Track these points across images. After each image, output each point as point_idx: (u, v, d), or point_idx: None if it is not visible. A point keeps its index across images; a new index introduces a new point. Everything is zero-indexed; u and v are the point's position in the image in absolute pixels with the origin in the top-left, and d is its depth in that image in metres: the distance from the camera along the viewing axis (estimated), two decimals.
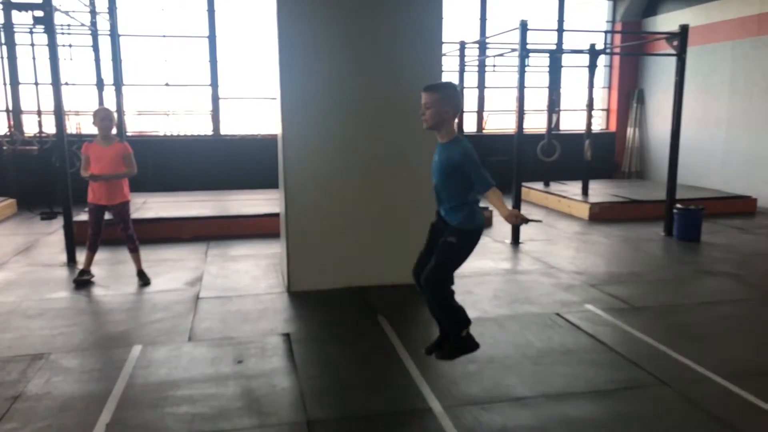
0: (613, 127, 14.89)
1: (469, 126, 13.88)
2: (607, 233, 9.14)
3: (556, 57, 10.82)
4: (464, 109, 13.08)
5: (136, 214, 8.50)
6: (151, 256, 7.34)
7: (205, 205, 9.86)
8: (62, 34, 9.41)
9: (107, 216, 6.45)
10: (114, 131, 6.45)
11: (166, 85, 12.50)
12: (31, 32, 9.73)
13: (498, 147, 12.88)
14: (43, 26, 7.25)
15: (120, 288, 6.35)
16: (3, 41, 10.32)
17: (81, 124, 11.02)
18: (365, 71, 6.06)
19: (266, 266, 7.17)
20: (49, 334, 5.06)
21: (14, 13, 9.40)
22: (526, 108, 8.75)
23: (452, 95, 3.69)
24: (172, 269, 7.03)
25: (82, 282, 6.41)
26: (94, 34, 10.14)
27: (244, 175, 12.03)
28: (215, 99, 12.71)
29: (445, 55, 9.15)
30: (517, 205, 8.56)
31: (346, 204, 6.21)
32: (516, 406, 3.89)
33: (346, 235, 6.25)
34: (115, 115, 6.68)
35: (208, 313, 5.61)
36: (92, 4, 9.99)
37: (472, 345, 3.87)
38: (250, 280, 6.64)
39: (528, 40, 8.33)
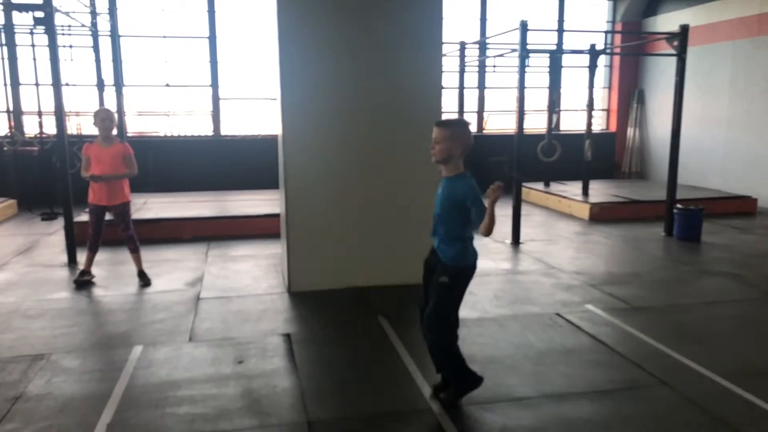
0: (613, 128, 14.89)
1: (470, 127, 13.85)
2: (607, 233, 9.14)
3: (556, 57, 10.83)
4: (464, 111, 13.09)
5: (136, 214, 8.50)
6: (152, 257, 7.35)
7: (205, 205, 9.87)
8: (63, 34, 9.42)
9: (108, 216, 6.45)
10: (114, 132, 6.46)
11: (167, 85, 12.50)
12: (31, 33, 9.75)
13: (498, 147, 12.89)
14: (43, 27, 7.25)
15: (120, 288, 6.35)
16: (4, 42, 10.33)
17: (81, 124, 11.02)
18: (365, 71, 6.07)
19: (267, 267, 7.17)
20: (49, 335, 5.07)
21: (15, 13, 9.41)
22: (526, 108, 8.76)
23: (463, 133, 3.69)
24: (172, 270, 7.04)
25: (83, 282, 6.41)
26: (95, 35, 10.15)
27: (245, 176, 12.03)
28: (215, 99, 12.71)
29: (445, 55, 9.15)
30: (517, 205, 8.56)
31: (346, 204, 6.21)
32: (516, 406, 3.89)
33: (347, 236, 6.26)
34: (116, 115, 6.68)
35: (208, 313, 5.61)
36: (92, 4, 10.00)
37: (474, 382, 3.91)
38: (250, 280, 6.64)
39: (528, 41, 8.33)
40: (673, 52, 8.84)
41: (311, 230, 6.17)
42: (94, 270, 6.61)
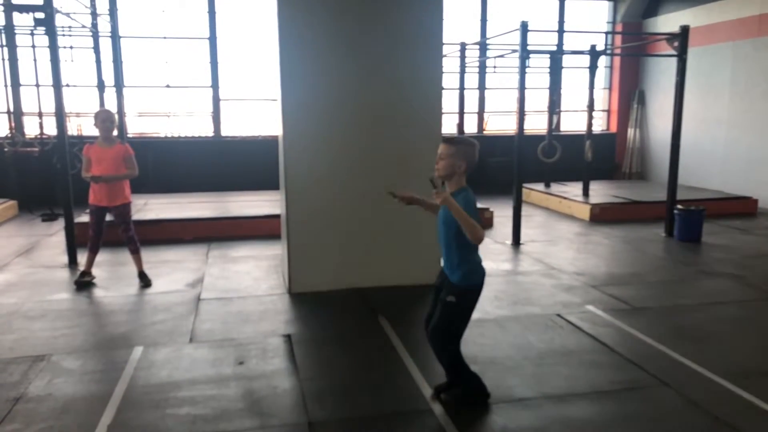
0: (613, 128, 14.88)
1: (470, 127, 13.88)
2: (607, 234, 9.14)
3: (556, 58, 10.83)
4: (465, 111, 13.10)
5: (137, 215, 8.49)
6: (152, 258, 7.35)
7: (206, 206, 9.87)
8: (63, 35, 9.43)
9: (108, 217, 6.45)
10: (115, 133, 6.46)
11: (167, 86, 12.50)
12: (32, 34, 9.75)
13: (499, 148, 12.90)
14: (44, 28, 7.25)
15: (121, 289, 6.35)
16: (4, 43, 10.33)
17: (82, 125, 11.02)
18: (366, 72, 6.07)
19: (267, 268, 7.17)
20: (50, 336, 5.07)
21: (15, 14, 9.41)
22: (526, 109, 8.75)
23: (468, 151, 3.69)
24: (173, 270, 7.04)
25: (84, 283, 6.41)
26: (95, 36, 10.16)
27: (245, 177, 12.03)
28: (216, 100, 12.71)
29: (445, 56, 9.16)
30: (517, 206, 8.56)
31: (347, 205, 6.21)
32: (517, 407, 3.89)
33: (347, 237, 6.26)
34: (116, 116, 6.68)
35: (209, 314, 5.61)
36: (93, 5, 10.00)
37: (482, 395, 3.96)
38: (251, 281, 6.64)
39: (528, 41, 8.33)
40: (674, 52, 8.84)
41: (312, 231, 6.17)
42: (95, 271, 6.62)
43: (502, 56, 11.80)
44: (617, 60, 14.53)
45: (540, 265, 7.35)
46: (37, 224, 9.81)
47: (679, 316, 5.64)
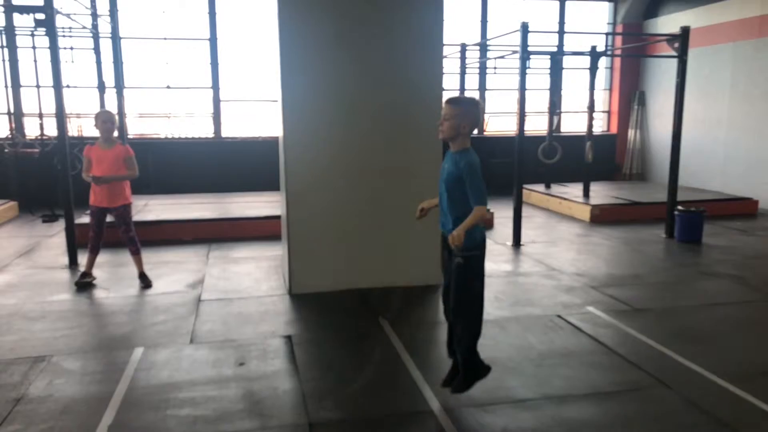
0: (614, 129, 14.88)
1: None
2: (608, 235, 9.14)
3: (557, 59, 10.85)
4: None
5: (137, 216, 8.49)
6: (153, 259, 7.35)
7: (206, 207, 9.87)
8: (63, 36, 9.43)
9: (109, 218, 6.45)
10: (115, 134, 6.46)
11: (167, 87, 12.51)
12: (32, 35, 9.77)
13: (499, 149, 12.90)
14: (44, 29, 7.27)
15: (121, 290, 6.35)
16: (4, 44, 10.35)
17: (82, 126, 11.02)
18: (366, 73, 6.07)
19: (268, 268, 7.17)
20: (50, 337, 5.07)
21: (16, 15, 9.42)
22: (527, 110, 8.75)
23: (472, 111, 3.71)
24: (173, 271, 7.04)
25: (84, 284, 6.41)
26: (96, 37, 10.17)
27: (246, 178, 12.04)
28: (216, 101, 12.72)
29: (446, 57, 9.16)
30: (518, 207, 8.56)
31: (347, 206, 6.21)
32: (517, 408, 3.89)
33: (348, 238, 6.26)
34: (117, 117, 6.68)
35: (209, 315, 5.61)
36: (93, 6, 10.02)
37: (483, 371, 3.96)
38: (251, 282, 6.64)
39: (529, 42, 8.34)
40: (674, 53, 8.84)
41: (312, 232, 6.18)
42: (95, 272, 6.62)
43: (502, 57, 11.80)
44: (618, 61, 14.53)
45: (540, 266, 7.35)
46: (38, 225, 9.81)
47: (680, 317, 5.64)
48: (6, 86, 10.70)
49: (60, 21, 7.93)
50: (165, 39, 12.32)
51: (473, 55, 13.08)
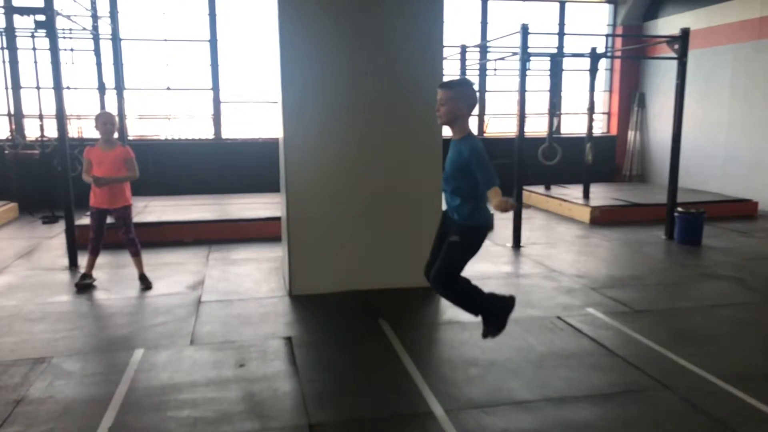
0: (614, 131, 14.89)
1: (471, 129, 13.86)
2: (608, 236, 9.14)
3: (557, 60, 10.86)
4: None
5: (137, 217, 8.50)
6: (153, 260, 7.35)
7: (206, 208, 9.88)
8: (64, 38, 9.42)
9: (109, 220, 6.45)
10: (116, 135, 6.46)
11: (168, 88, 12.52)
12: (32, 36, 9.76)
13: (499, 150, 12.89)
14: (44, 30, 7.26)
15: (122, 292, 6.35)
16: (5, 45, 10.34)
17: (83, 128, 11.02)
18: (367, 75, 6.07)
19: (268, 270, 7.17)
20: (51, 338, 5.07)
21: (16, 17, 9.43)
22: (527, 111, 8.76)
23: (467, 92, 3.72)
24: (173, 273, 7.04)
25: (84, 286, 6.41)
26: (96, 38, 10.17)
27: (246, 179, 12.04)
28: (216, 103, 12.73)
29: (446, 58, 9.16)
30: (518, 208, 8.56)
31: (347, 207, 6.22)
32: (518, 410, 3.89)
33: (348, 239, 6.26)
34: (117, 118, 6.67)
35: (209, 316, 5.61)
36: (94, 8, 10.02)
37: (507, 305, 3.98)
38: (251, 283, 6.64)
39: (529, 44, 8.34)
40: (674, 55, 8.84)
41: (312, 233, 6.18)
42: (96, 273, 6.61)
43: (502, 59, 11.79)
44: (617, 63, 14.54)
45: (540, 267, 7.35)
46: (38, 227, 9.82)
47: (680, 319, 5.64)
48: (6, 87, 10.70)
49: (60, 22, 7.94)
50: (165, 40, 12.32)
51: (473, 57, 13.08)
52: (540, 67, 11.78)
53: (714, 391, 4.16)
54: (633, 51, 13.65)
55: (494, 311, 3.97)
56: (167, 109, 12.68)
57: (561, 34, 13.82)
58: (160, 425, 3.70)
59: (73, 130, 10.12)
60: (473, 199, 3.74)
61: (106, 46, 10.63)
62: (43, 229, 9.58)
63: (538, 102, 13.20)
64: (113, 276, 6.90)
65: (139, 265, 6.55)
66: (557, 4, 14.08)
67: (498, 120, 14.36)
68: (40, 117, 10.44)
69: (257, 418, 3.79)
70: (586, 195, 11.25)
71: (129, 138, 11.48)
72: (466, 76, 12.62)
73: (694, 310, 5.88)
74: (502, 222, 9.57)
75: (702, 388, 4.20)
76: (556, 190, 12.08)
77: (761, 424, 3.77)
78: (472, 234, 3.77)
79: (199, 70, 12.59)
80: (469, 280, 3.95)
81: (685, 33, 8.71)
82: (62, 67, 7.31)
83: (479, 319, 4.06)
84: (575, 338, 5.11)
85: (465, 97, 3.71)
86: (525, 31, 8.26)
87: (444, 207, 3.98)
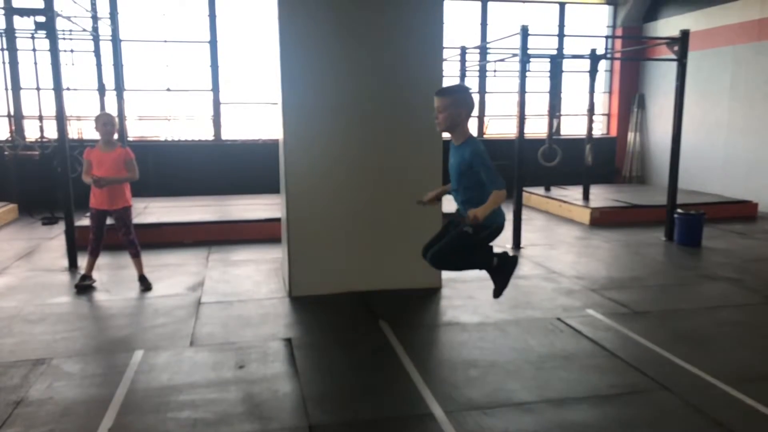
0: (613, 132, 14.90)
1: (471, 131, 13.85)
2: (607, 238, 9.14)
3: (556, 62, 10.85)
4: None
5: (137, 219, 8.49)
6: (153, 261, 7.35)
7: (206, 209, 9.88)
8: (64, 39, 9.43)
9: (109, 221, 6.45)
10: (116, 136, 6.46)
11: (168, 90, 12.52)
12: (32, 37, 9.74)
13: (499, 152, 12.88)
14: (44, 31, 7.26)
15: (121, 293, 6.35)
16: (5, 46, 10.33)
17: (82, 129, 11.02)
18: (366, 76, 6.08)
19: (267, 271, 7.17)
20: (50, 339, 5.07)
21: (16, 18, 9.43)
22: (527, 113, 8.76)
23: (464, 98, 3.72)
24: (173, 274, 7.04)
25: (84, 287, 6.41)
26: (96, 40, 10.18)
27: (246, 180, 12.04)
28: (216, 104, 12.73)
29: (446, 60, 9.16)
30: (518, 209, 8.57)
31: (347, 209, 6.22)
32: (518, 411, 3.89)
33: (348, 240, 6.26)
34: (117, 120, 6.67)
35: (209, 318, 5.61)
36: (94, 9, 10.02)
37: (510, 264, 3.96)
38: (251, 285, 6.64)
39: (529, 45, 8.35)
40: (674, 56, 8.85)
41: (312, 235, 6.18)
42: (95, 274, 6.61)
43: (502, 60, 11.80)
44: (617, 64, 14.54)
45: (540, 268, 7.35)
46: (38, 228, 9.81)
47: (680, 320, 5.64)
48: (6, 89, 10.69)
49: (60, 24, 7.94)
50: (165, 42, 12.32)
51: (473, 58, 13.10)
52: (540, 69, 11.77)
53: (713, 393, 4.16)
54: (633, 52, 13.65)
55: (498, 270, 3.93)
56: (167, 111, 12.67)
57: (561, 35, 13.83)
58: (159, 426, 3.70)
59: (73, 131, 10.12)
60: (485, 202, 3.72)
61: (106, 47, 10.64)
62: (42, 230, 9.58)
63: (537, 103, 13.20)
64: (113, 277, 6.90)
65: (138, 266, 6.55)
66: (557, 6, 14.09)
67: (498, 121, 14.36)
68: (40, 118, 10.44)
69: (257, 419, 3.79)
70: (585, 196, 11.25)
71: (129, 139, 11.49)
72: (466, 77, 12.64)
73: (694, 312, 5.88)
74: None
75: (701, 390, 4.20)
76: (556, 192, 12.08)
77: (761, 425, 3.78)
78: (485, 233, 3.78)
79: (199, 71, 12.59)
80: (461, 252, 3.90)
81: (685, 34, 8.71)
82: (62, 68, 7.31)
83: (479, 320, 4.06)
84: (575, 339, 5.11)
85: (463, 102, 3.70)
86: (525, 32, 8.27)
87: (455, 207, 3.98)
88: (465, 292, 6.31)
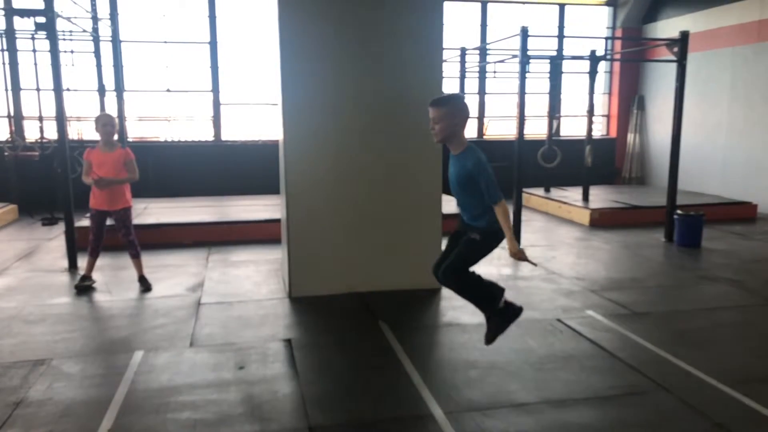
0: (613, 133, 14.91)
1: (470, 132, 13.91)
2: (607, 239, 9.15)
3: (556, 63, 10.87)
4: None
5: (137, 219, 8.49)
6: (153, 262, 7.35)
7: (206, 210, 9.88)
8: (64, 40, 9.44)
9: (109, 221, 6.45)
10: (116, 137, 6.47)
11: (168, 90, 12.52)
12: (33, 38, 9.77)
13: (499, 153, 12.90)
14: (45, 32, 7.27)
15: (121, 294, 6.35)
16: (5, 47, 10.35)
17: (82, 129, 11.03)
18: (366, 77, 6.08)
19: (267, 272, 7.18)
20: (50, 340, 5.06)
21: (16, 18, 9.43)
22: (526, 114, 8.77)
23: (459, 107, 3.71)
24: (173, 275, 7.04)
25: (84, 288, 6.41)
26: (96, 40, 10.19)
27: (245, 181, 12.04)
28: (216, 104, 12.73)
29: (446, 61, 9.18)
30: (517, 210, 8.57)
31: (347, 209, 6.22)
32: (517, 412, 3.89)
33: (348, 241, 6.26)
34: (117, 120, 6.68)
35: (209, 318, 5.61)
36: (94, 10, 10.03)
37: (514, 312, 4.01)
38: (251, 285, 6.64)
39: (528, 47, 8.36)
40: (674, 58, 8.86)
41: (312, 235, 6.18)
42: (95, 275, 6.62)
43: (502, 61, 11.82)
44: (617, 65, 14.56)
45: (540, 269, 7.35)
46: (38, 228, 9.81)
47: (679, 321, 5.65)
48: (6, 89, 10.71)
49: (60, 24, 7.95)
50: (165, 42, 12.34)
51: (473, 59, 13.12)
52: (539, 70, 11.79)
53: (713, 394, 4.16)
54: (632, 54, 13.67)
55: (501, 313, 3.97)
56: (167, 111, 12.68)
57: (560, 36, 13.85)
58: (159, 427, 3.70)
59: (73, 132, 10.13)
60: (490, 210, 3.73)
61: (106, 48, 10.65)
62: (42, 231, 9.57)
63: (537, 104, 13.22)
64: (113, 278, 6.90)
65: (138, 266, 6.55)
66: (557, 7, 14.10)
67: (497, 122, 14.37)
68: (40, 119, 10.45)
69: (257, 420, 3.79)
70: (585, 197, 11.26)
71: (129, 140, 11.49)
72: (466, 78, 12.66)
73: (694, 313, 5.88)
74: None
75: (701, 391, 4.20)
76: (556, 193, 12.08)
77: (760, 426, 3.78)
78: (491, 238, 3.82)
79: (199, 72, 12.60)
80: (480, 276, 3.98)
81: (685, 36, 8.72)
82: (62, 68, 7.31)
83: (480, 320, 4.06)
84: (575, 340, 5.11)
85: (458, 111, 3.69)
86: (525, 33, 8.28)
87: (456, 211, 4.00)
88: None
